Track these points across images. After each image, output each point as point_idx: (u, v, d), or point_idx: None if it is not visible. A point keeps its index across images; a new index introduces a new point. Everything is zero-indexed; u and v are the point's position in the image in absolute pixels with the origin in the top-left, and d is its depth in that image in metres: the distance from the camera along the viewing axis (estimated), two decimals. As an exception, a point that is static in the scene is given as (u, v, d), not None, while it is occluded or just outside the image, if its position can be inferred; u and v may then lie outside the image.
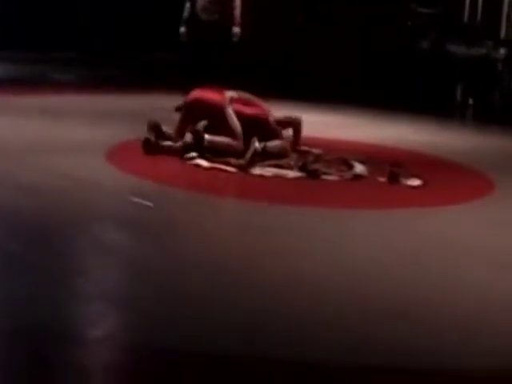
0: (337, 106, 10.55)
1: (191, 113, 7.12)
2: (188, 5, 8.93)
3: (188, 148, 6.81)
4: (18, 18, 15.28)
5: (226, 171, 6.50)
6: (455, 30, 13.02)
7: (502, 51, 12.16)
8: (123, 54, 15.21)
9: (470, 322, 3.83)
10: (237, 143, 6.86)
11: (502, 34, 12.69)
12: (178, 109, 7.27)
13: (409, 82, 12.37)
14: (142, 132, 6.99)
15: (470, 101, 12.29)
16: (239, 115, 7.05)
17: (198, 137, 6.81)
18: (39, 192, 5.59)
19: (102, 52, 15.12)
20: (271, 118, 7.25)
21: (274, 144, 6.99)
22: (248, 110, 7.14)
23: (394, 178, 6.46)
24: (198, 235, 4.96)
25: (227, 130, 6.91)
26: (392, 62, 12.90)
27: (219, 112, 6.97)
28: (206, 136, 6.83)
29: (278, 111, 7.51)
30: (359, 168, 6.78)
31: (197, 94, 7.18)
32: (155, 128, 7.00)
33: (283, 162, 6.77)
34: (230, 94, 7.15)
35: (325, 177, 6.54)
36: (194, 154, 6.76)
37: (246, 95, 7.32)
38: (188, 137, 6.86)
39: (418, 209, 5.90)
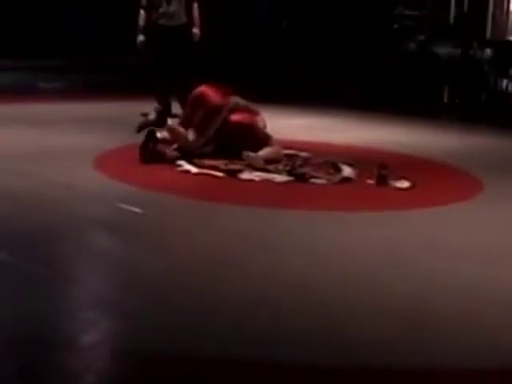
0: (324, 109, 10.57)
1: (193, 106, 7.24)
2: (142, 12, 9.16)
3: (146, 124, 6.90)
4: (3, 27, 15.29)
5: (214, 176, 6.50)
6: (441, 32, 13.07)
7: (488, 51, 12.22)
8: (110, 60, 15.22)
9: (465, 322, 3.83)
10: (191, 137, 7.00)
11: (488, 34, 12.75)
12: (144, 114, 7.40)
13: (396, 84, 12.40)
14: (129, 138, 6.98)
15: (457, 101, 12.33)
16: (226, 122, 7.07)
17: (160, 117, 6.90)
18: (27, 199, 5.58)
19: (89, 58, 15.15)
20: (260, 124, 7.25)
21: (267, 152, 6.99)
22: (234, 117, 7.14)
23: (382, 181, 6.47)
24: (187, 241, 4.95)
25: (202, 128, 7.04)
26: (379, 64, 12.94)
27: (213, 111, 7.09)
28: (169, 121, 7.10)
29: (268, 115, 7.52)
30: (347, 171, 6.79)
31: (203, 88, 7.28)
32: (152, 135, 6.98)
33: (271, 166, 6.77)
34: (235, 99, 7.21)
35: (313, 180, 6.55)
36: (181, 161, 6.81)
37: (246, 103, 7.34)
38: (152, 115, 6.91)
39: (407, 210, 5.91)
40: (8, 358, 3.29)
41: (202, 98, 7.18)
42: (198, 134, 7.05)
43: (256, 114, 7.30)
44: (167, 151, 6.97)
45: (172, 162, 6.86)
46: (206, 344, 3.42)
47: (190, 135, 7.04)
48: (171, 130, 7.08)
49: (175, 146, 7.04)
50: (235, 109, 7.19)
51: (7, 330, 3.51)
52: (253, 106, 7.37)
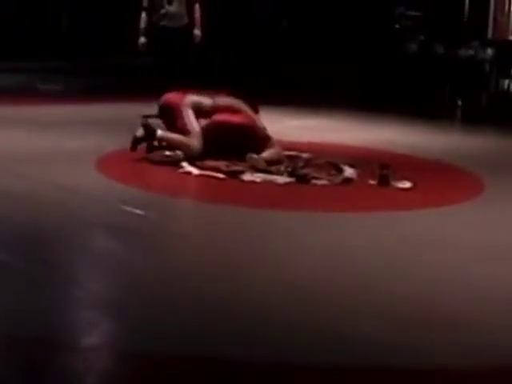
0: (325, 109, 10.56)
1: (162, 115, 7.28)
2: (144, 15, 9.18)
3: (138, 141, 6.93)
4: (3, 29, 15.30)
5: (216, 178, 6.49)
6: (442, 32, 13.07)
7: (489, 51, 12.21)
8: (110, 60, 15.23)
9: (466, 321, 3.82)
10: (193, 143, 6.97)
11: (489, 34, 12.75)
12: (145, 116, 7.45)
13: (397, 84, 12.40)
14: (130, 140, 6.97)
15: (459, 101, 12.33)
16: (226, 125, 7.04)
17: (148, 131, 6.92)
18: (28, 201, 5.57)
19: (89, 58, 15.16)
20: (259, 125, 7.22)
21: (268, 153, 6.97)
22: (234, 119, 7.11)
23: (383, 181, 6.46)
24: (188, 242, 4.94)
25: (183, 129, 7.04)
26: (380, 64, 12.94)
27: (175, 111, 7.11)
28: (159, 131, 7.00)
29: (268, 116, 7.50)
30: (349, 171, 6.78)
31: (163, 97, 7.34)
32: (147, 127, 7.01)
33: (273, 167, 6.76)
34: (193, 98, 7.20)
35: (314, 181, 6.53)
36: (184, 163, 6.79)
37: (227, 100, 7.29)
38: (139, 131, 6.91)
39: (409, 211, 5.90)
40: (8, 358, 3.28)
41: (163, 105, 7.25)
42: (192, 135, 7.03)
43: (241, 111, 7.25)
44: (168, 153, 6.96)
45: (176, 163, 6.83)
46: (206, 345, 3.41)
47: (191, 141, 6.99)
48: (164, 139, 7.04)
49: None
50: (220, 109, 7.16)
51: (7, 330, 3.50)
52: (243, 105, 7.29)
